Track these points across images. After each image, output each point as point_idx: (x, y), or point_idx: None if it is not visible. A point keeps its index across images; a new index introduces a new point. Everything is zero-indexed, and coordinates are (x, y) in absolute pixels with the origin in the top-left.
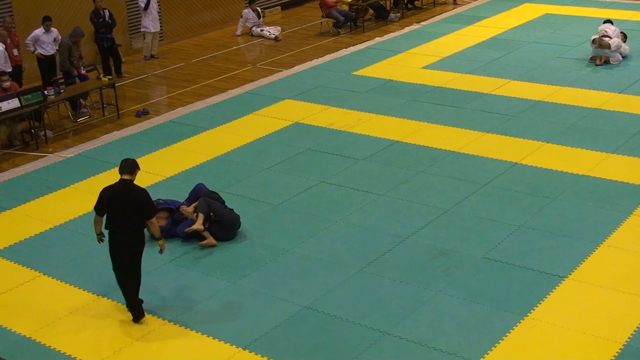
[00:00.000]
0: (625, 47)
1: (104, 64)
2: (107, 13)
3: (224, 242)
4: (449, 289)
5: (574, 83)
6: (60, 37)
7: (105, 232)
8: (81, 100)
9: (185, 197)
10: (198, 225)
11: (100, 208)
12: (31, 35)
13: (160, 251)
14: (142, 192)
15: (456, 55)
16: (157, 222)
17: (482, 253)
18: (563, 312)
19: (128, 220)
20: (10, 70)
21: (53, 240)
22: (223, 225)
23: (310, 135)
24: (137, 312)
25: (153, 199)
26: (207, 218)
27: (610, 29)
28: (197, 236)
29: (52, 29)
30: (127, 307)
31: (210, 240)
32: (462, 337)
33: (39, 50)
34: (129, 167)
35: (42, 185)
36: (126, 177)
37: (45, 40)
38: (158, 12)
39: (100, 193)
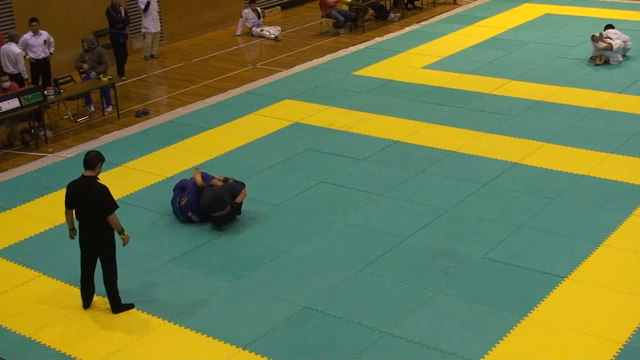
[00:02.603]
0: (629, 43)
1: (119, 62)
2: (122, 10)
3: (223, 242)
4: (449, 289)
5: (574, 83)
6: (52, 39)
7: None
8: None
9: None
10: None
11: (66, 202)
12: (20, 40)
13: (123, 244)
14: (100, 188)
15: (456, 55)
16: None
17: (482, 253)
18: (563, 312)
19: (89, 216)
20: (24, 70)
21: (53, 240)
22: (213, 194)
23: (310, 135)
24: (114, 304)
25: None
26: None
27: (613, 35)
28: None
29: (42, 31)
30: (81, 295)
31: (197, 177)
32: (462, 337)
33: (30, 54)
34: (90, 162)
35: (42, 185)
36: (87, 173)
37: (35, 44)
38: (158, 12)
39: (67, 187)
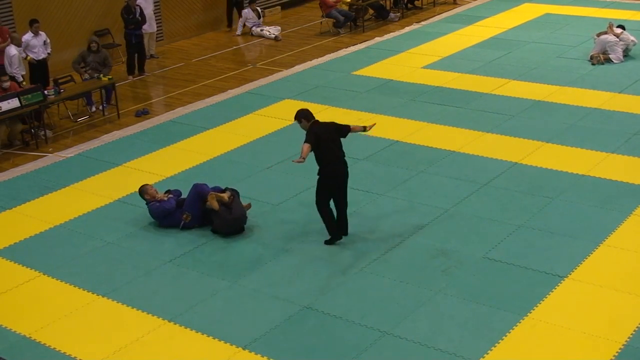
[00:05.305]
0: (633, 39)
1: (129, 60)
2: (137, 10)
3: (223, 242)
4: (449, 289)
5: (574, 83)
6: (48, 40)
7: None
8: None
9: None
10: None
11: (312, 139)
12: (22, 42)
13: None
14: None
15: (456, 55)
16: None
17: (482, 253)
18: (563, 312)
19: (338, 148)
20: (24, 73)
21: (53, 240)
22: (232, 211)
23: None
24: (343, 228)
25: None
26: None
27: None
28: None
29: (41, 32)
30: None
31: (214, 203)
32: (462, 337)
33: (31, 55)
34: (306, 114)
35: (42, 185)
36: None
37: (36, 44)
38: (155, 12)
39: (310, 127)
